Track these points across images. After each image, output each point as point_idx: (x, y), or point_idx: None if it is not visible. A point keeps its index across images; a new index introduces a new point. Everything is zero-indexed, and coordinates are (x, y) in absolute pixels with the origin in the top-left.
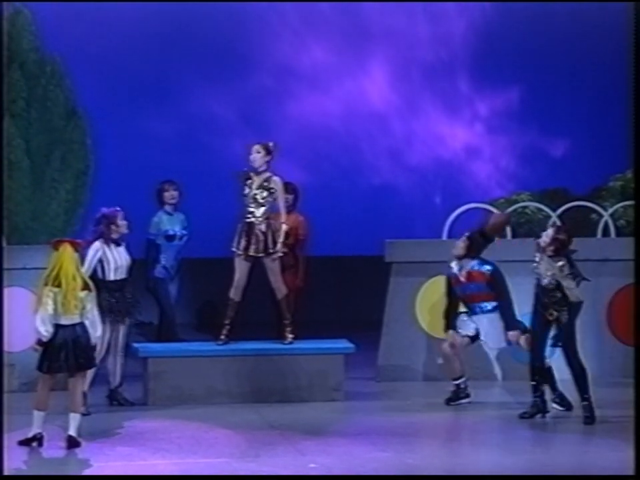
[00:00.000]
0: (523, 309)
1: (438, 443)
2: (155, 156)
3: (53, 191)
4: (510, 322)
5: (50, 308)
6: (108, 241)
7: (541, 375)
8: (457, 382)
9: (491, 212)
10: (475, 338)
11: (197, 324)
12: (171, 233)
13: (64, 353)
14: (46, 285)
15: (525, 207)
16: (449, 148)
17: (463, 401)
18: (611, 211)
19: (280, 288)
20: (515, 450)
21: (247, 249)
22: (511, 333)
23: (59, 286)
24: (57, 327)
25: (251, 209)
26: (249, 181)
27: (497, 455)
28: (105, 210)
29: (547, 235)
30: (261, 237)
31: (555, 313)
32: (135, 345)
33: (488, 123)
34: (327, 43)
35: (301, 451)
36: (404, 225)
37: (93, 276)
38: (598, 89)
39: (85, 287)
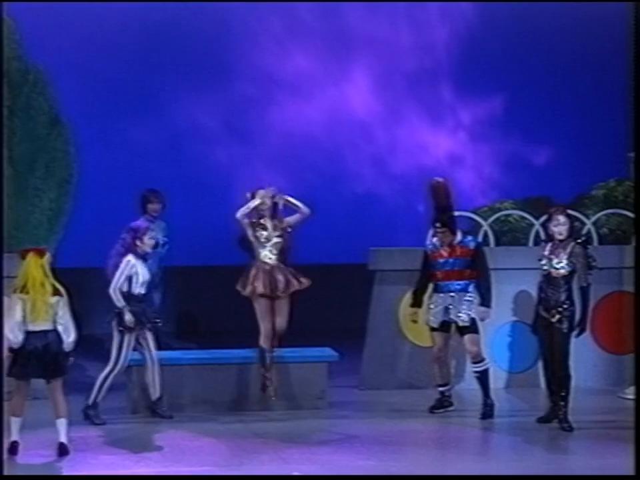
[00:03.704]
0: (505, 318)
1: (422, 451)
2: (139, 164)
3: (37, 199)
4: (485, 298)
5: (18, 315)
6: (138, 254)
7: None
8: (442, 389)
9: (473, 220)
10: (443, 328)
11: (177, 333)
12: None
13: (34, 360)
14: (14, 292)
15: (508, 215)
16: (432, 156)
17: (447, 409)
18: (593, 219)
19: (283, 329)
20: (499, 458)
21: (270, 290)
22: (483, 309)
23: (28, 293)
24: (28, 333)
25: (266, 251)
26: (262, 223)
27: (481, 462)
28: (136, 223)
29: (557, 220)
30: (281, 278)
31: (558, 316)
32: None
33: (471, 131)
34: (309, 51)
35: (284, 460)
36: (387, 233)
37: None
38: (581, 97)
39: (56, 292)
